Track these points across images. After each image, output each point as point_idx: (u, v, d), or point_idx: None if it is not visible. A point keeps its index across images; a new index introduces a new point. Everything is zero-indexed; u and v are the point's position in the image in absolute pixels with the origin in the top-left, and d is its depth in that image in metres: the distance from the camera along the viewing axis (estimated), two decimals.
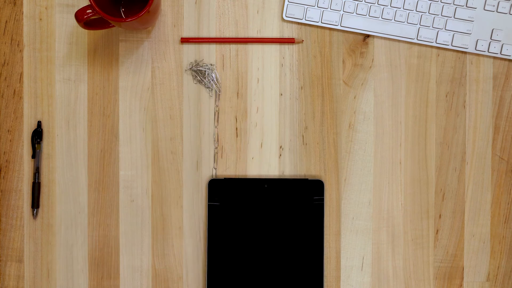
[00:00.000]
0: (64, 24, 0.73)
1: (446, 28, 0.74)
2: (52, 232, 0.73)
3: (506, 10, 0.74)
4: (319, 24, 0.73)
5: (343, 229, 0.74)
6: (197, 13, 0.74)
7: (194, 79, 0.70)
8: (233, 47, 0.74)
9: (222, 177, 0.74)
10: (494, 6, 0.74)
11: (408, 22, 0.73)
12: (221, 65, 0.74)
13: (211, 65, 0.70)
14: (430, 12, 0.73)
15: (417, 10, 0.73)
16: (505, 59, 0.75)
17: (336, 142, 0.75)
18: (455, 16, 0.74)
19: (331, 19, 0.73)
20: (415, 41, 0.74)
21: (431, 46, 0.75)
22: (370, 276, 0.75)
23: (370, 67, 0.75)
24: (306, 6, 0.73)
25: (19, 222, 0.73)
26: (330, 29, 0.74)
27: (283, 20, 0.74)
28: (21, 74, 0.73)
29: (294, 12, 0.73)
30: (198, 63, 0.70)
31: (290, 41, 0.74)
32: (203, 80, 0.70)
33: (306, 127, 0.75)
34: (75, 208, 0.73)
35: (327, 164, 0.75)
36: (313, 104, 0.75)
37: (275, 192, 0.74)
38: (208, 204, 0.73)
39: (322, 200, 0.73)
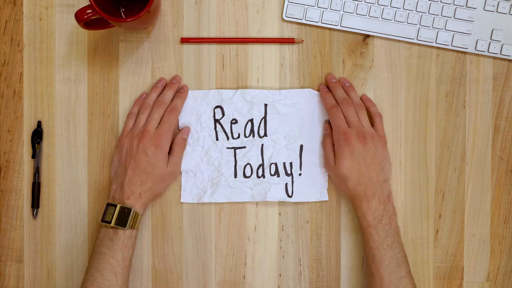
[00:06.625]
0: (64, 24, 0.73)
1: (446, 28, 0.74)
2: (52, 232, 0.73)
3: (506, 10, 0.74)
4: (319, 24, 0.73)
5: (343, 229, 0.74)
6: (197, 13, 0.74)
7: None
8: (233, 47, 0.74)
9: None
10: (494, 6, 0.74)
11: (408, 22, 0.73)
12: (221, 65, 0.74)
13: None
14: (430, 12, 0.73)
15: (417, 10, 0.73)
16: (505, 59, 0.75)
17: None
18: (455, 16, 0.74)
19: (331, 19, 0.73)
20: (415, 41, 0.74)
21: (431, 46, 0.75)
22: None
23: (370, 67, 0.75)
24: (306, 6, 0.73)
25: (19, 222, 0.73)
26: (330, 29, 0.74)
27: (283, 20, 0.74)
28: (21, 74, 0.73)
29: (294, 12, 0.73)
30: None
31: (290, 41, 0.74)
32: None
33: None
34: (75, 208, 0.73)
35: None
36: None
37: None
38: None
39: None
